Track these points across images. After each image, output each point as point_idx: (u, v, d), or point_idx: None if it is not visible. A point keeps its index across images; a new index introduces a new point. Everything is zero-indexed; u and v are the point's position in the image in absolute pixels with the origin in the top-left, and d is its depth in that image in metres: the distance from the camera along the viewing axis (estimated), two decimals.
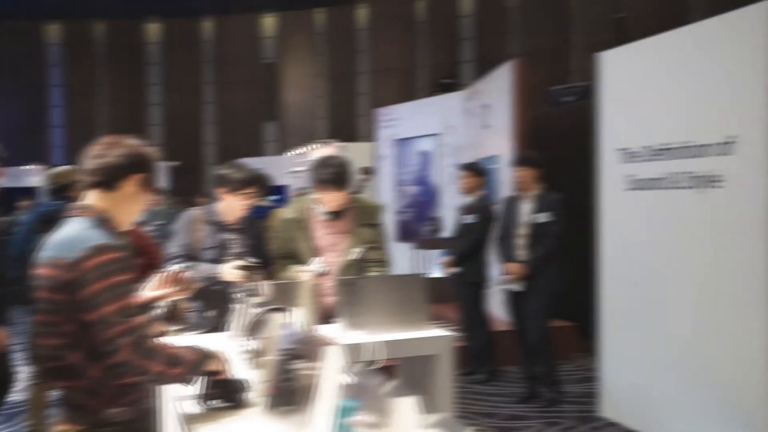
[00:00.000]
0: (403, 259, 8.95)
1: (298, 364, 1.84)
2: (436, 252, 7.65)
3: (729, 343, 3.85)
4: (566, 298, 5.33)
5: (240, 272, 3.36)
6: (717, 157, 3.90)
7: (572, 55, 14.40)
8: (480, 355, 5.83)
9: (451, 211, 7.09)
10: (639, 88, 4.56)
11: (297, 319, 2.18)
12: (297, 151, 13.55)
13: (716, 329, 3.94)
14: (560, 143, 6.94)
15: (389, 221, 9.77)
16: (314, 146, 12.34)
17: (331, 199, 3.55)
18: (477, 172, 5.69)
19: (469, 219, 5.62)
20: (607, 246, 4.83)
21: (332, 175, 3.50)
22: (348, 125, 17.00)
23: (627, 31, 12.24)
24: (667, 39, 4.37)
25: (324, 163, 3.59)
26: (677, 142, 4.17)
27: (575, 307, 5.87)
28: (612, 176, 4.75)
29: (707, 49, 4.03)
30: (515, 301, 5.17)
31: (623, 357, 4.70)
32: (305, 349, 1.85)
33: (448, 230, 7.13)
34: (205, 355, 2.05)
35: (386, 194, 9.86)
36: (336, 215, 3.61)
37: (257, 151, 16.97)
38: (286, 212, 3.75)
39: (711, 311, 3.97)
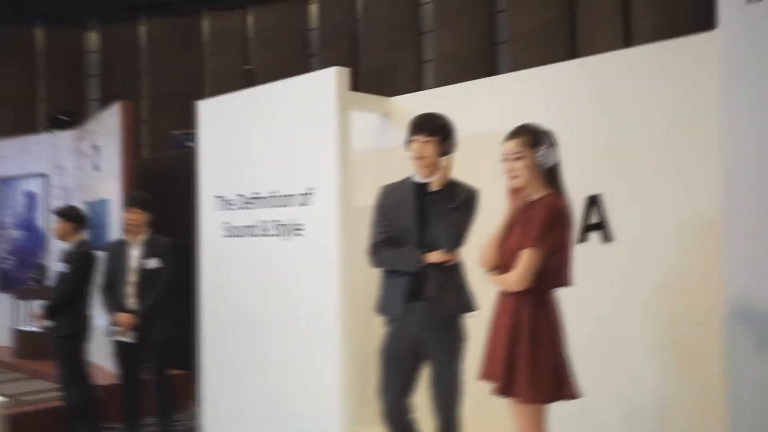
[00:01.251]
0: (3, 311, 8.05)
1: None
2: (39, 303, 6.97)
3: (306, 379, 4.09)
4: (180, 345, 5.20)
5: None
6: (298, 207, 4.16)
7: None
8: (80, 413, 5.37)
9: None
10: (232, 138, 4.70)
11: None
12: None
13: (296, 366, 4.15)
14: (176, 187, 6.85)
15: None
16: None
17: None
18: (70, 217, 5.28)
19: (63, 268, 5.20)
20: (206, 291, 4.85)
21: None
22: None
23: (255, 81, 12.74)
24: (257, 93, 4.60)
25: None
26: (266, 192, 4.37)
27: (189, 354, 5.77)
28: (211, 222, 4.80)
29: (287, 107, 4.31)
30: (125, 352, 4.88)
31: (223, 403, 4.71)
32: None
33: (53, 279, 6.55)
34: None
35: None
36: None
37: None
38: None
39: (292, 352, 4.18)
